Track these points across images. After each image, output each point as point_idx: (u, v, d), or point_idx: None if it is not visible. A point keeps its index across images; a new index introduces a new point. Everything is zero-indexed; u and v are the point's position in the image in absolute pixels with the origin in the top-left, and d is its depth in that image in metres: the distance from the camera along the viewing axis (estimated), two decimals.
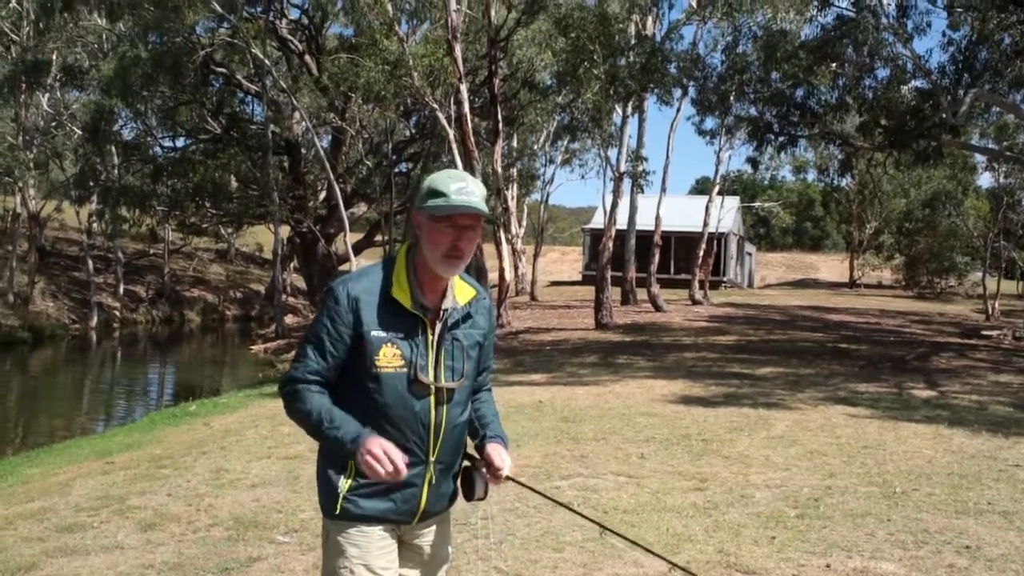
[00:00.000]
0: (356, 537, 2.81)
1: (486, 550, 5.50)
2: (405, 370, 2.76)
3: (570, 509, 3.75)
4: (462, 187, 2.76)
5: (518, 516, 6.32)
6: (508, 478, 2.92)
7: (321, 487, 2.87)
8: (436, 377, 2.81)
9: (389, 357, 2.75)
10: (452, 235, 2.76)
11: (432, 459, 2.84)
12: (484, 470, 2.91)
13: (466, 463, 2.99)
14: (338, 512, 2.80)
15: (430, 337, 2.82)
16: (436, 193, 2.76)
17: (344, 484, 2.79)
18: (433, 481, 2.86)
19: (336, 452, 2.77)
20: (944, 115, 19.85)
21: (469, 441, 3.04)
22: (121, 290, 38.13)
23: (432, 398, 2.81)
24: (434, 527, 2.99)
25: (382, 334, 2.75)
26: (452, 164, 21.87)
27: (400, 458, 2.64)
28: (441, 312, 2.85)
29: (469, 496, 2.95)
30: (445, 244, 2.76)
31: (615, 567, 5.30)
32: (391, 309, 2.78)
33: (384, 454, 2.63)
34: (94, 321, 34.62)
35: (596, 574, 5.20)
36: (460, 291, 2.91)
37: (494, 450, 2.92)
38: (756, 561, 5.40)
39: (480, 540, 5.68)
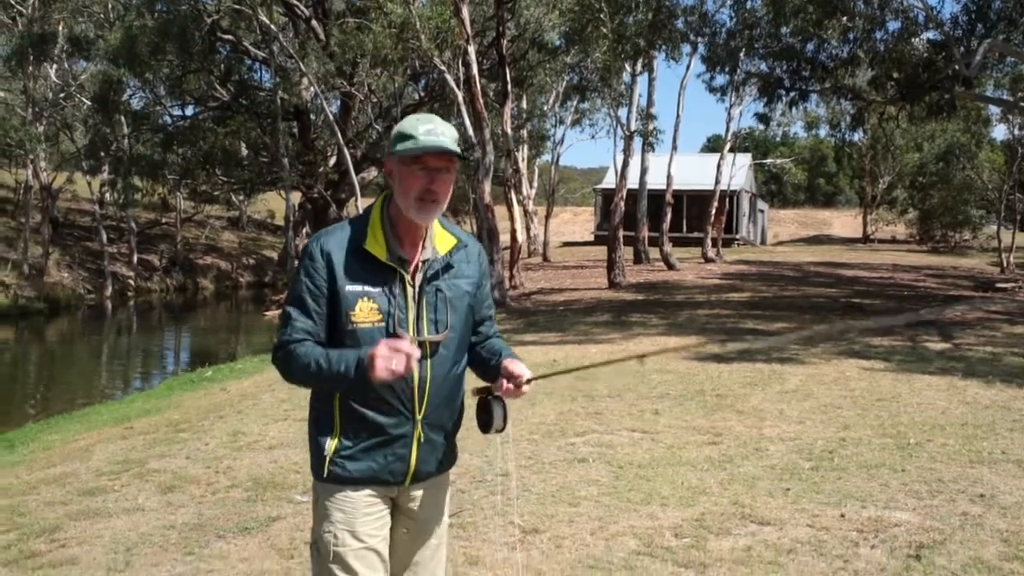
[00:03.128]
0: (342, 502, 2.75)
1: (503, 506, 5.55)
2: (383, 324, 2.68)
3: (554, 373, 3.50)
4: (431, 128, 2.70)
5: (534, 472, 6.37)
6: (529, 380, 2.78)
7: (311, 449, 2.81)
8: (418, 330, 2.72)
9: (365, 312, 2.67)
10: (424, 178, 2.70)
11: (419, 417, 2.75)
12: (503, 387, 2.78)
13: (481, 394, 2.88)
14: (326, 475, 2.75)
15: (409, 290, 2.74)
16: (405, 136, 2.70)
17: (330, 446, 2.74)
18: (422, 439, 2.77)
19: (349, 390, 2.68)
20: (957, 67, 19.63)
21: (476, 378, 2.95)
22: (135, 259, 38.28)
23: None
24: (429, 491, 2.89)
25: (356, 288, 2.68)
26: (462, 126, 21.77)
27: (405, 345, 2.55)
28: (420, 264, 2.77)
29: (487, 427, 2.84)
30: (417, 187, 2.70)
31: (630, 520, 5.34)
32: (365, 263, 2.70)
33: (392, 351, 2.54)
34: (109, 291, 34.80)
35: (612, 527, 5.24)
36: (440, 240, 2.83)
37: (511, 362, 2.81)
38: (771, 512, 5.44)
39: (497, 496, 5.74)
